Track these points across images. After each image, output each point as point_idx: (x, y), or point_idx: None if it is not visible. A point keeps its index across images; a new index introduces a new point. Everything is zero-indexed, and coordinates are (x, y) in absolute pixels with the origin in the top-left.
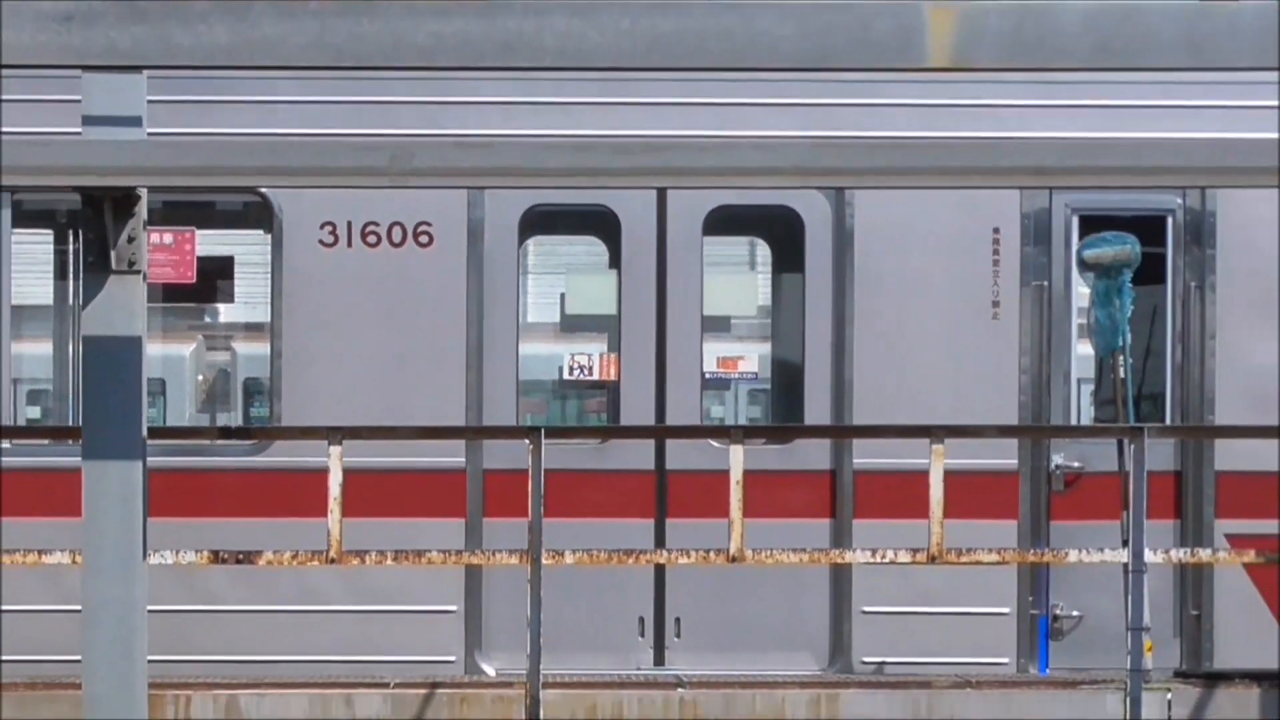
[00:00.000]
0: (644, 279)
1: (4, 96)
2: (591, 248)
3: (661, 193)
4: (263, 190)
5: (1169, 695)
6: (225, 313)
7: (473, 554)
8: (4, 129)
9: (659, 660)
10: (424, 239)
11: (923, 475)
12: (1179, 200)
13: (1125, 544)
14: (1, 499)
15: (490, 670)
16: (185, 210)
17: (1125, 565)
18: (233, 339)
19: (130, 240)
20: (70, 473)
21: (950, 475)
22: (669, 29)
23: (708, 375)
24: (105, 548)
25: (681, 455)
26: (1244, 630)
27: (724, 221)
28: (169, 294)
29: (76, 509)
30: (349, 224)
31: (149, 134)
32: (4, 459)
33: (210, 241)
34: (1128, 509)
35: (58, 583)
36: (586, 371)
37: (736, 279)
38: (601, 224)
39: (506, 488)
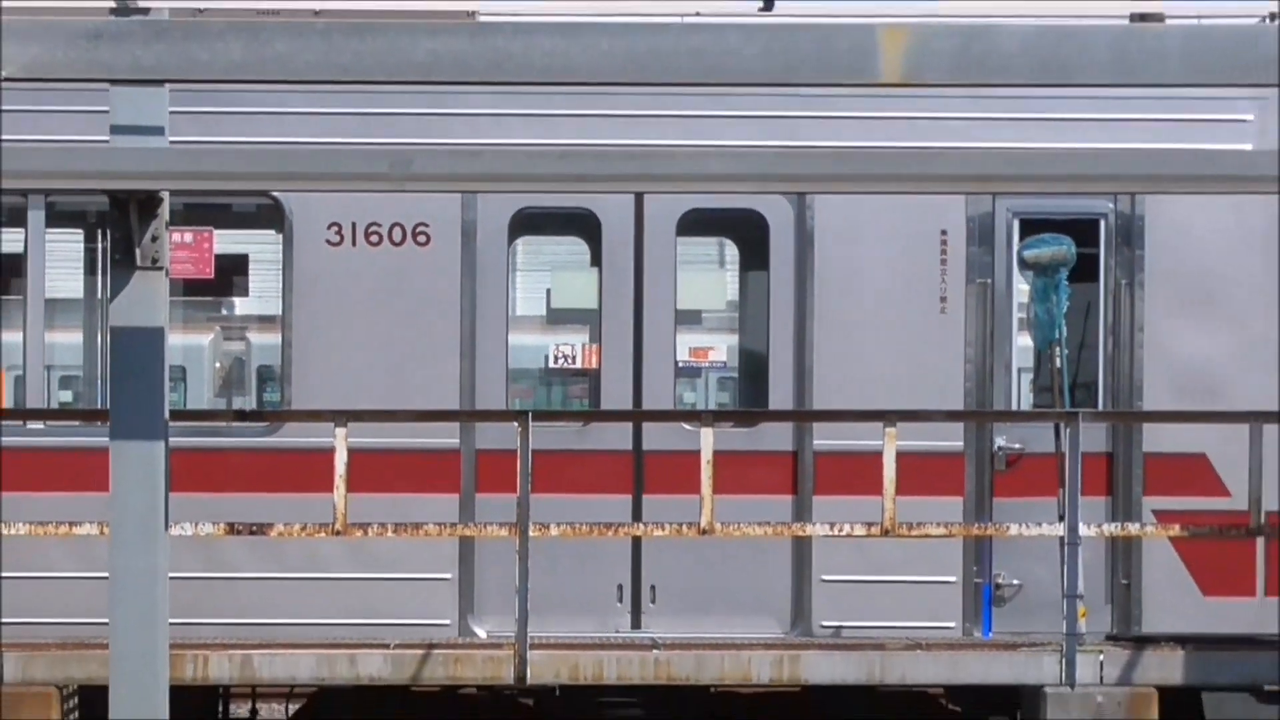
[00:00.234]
0: (623, 276)
1: (43, 108)
2: (575, 247)
3: (639, 197)
4: (275, 193)
5: (1101, 657)
6: (240, 306)
7: (466, 527)
8: (41, 139)
9: (636, 624)
10: (422, 239)
11: (877, 456)
12: (1111, 205)
13: (1061, 519)
14: (29, 476)
15: (482, 633)
16: (204, 211)
17: (1061, 538)
18: (247, 330)
19: (154, 239)
20: (99, 452)
21: (902, 456)
22: (645, 48)
23: (681, 364)
24: (130, 520)
25: (657, 437)
26: (1169, 598)
27: (696, 223)
28: (189, 288)
29: (104, 484)
30: (353, 225)
31: (170, 142)
32: (38, 439)
33: (227, 240)
34: (1064, 487)
35: (87, 552)
36: (570, 360)
37: (707, 276)
38: (584, 225)
39: (497, 466)
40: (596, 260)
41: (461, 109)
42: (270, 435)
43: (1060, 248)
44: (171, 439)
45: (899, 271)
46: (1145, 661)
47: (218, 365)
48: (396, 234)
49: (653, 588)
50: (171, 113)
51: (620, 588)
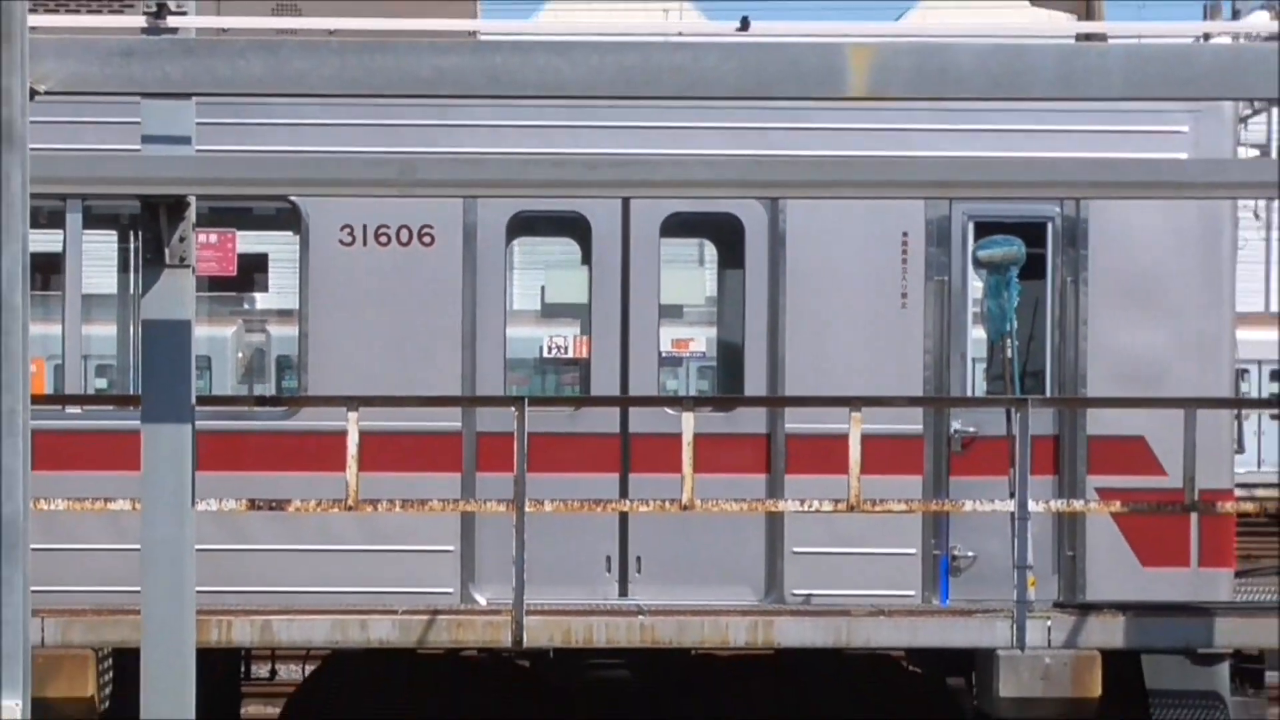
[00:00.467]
0: (611, 273)
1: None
2: (567, 247)
3: (626, 201)
4: (292, 198)
5: (1049, 622)
6: (261, 301)
7: (467, 503)
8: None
9: (623, 592)
10: (427, 239)
11: (843, 438)
12: (1057, 209)
13: (1012, 496)
14: (67, 456)
15: (482, 600)
16: (227, 214)
17: (1012, 514)
18: (267, 323)
19: (181, 239)
20: (132, 434)
21: (866, 438)
22: (631, 64)
23: (664, 354)
24: (160, 497)
25: (642, 421)
26: (1111, 568)
27: (678, 225)
28: (214, 285)
29: (136, 464)
30: (364, 227)
31: (197, 151)
32: (76, 422)
33: (248, 241)
34: (1014, 467)
35: (120, 527)
36: (562, 351)
37: (688, 274)
38: (575, 227)
39: (495, 448)
40: (587, 259)
41: (463, 120)
42: (288, 419)
43: (1011, 248)
44: (198, 423)
45: (864, 270)
46: (1089, 627)
47: (240, 355)
48: (404, 235)
49: (638, 559)
50: (204, 124)
51: (609, 559)
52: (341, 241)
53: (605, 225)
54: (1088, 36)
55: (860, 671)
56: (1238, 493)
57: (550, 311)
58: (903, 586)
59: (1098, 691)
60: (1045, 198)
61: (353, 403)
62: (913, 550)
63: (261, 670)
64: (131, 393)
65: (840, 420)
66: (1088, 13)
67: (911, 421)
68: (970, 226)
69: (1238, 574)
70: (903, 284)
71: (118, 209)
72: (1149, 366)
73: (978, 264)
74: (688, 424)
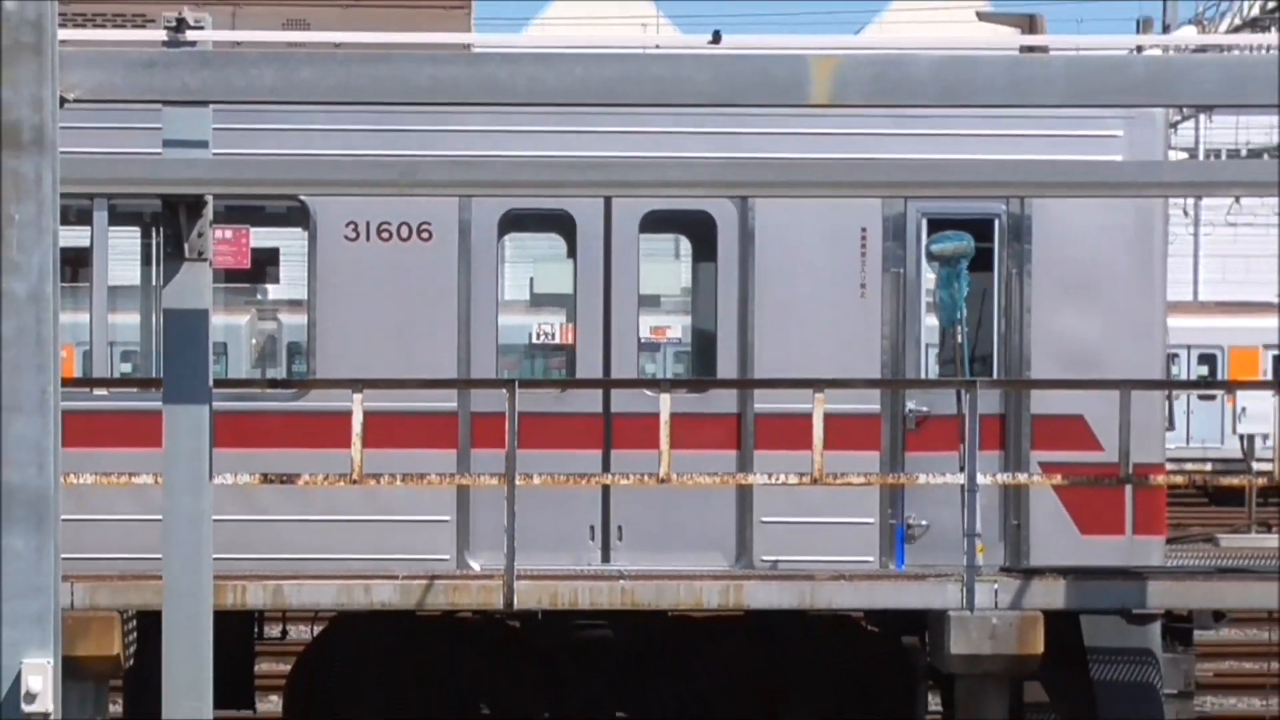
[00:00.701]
0: (594, 266)
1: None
2: (554, 242)
3: (608, 200)
4: (301, 197)
5: (996, 585)
6: (272, 292)
7: (462, 477)
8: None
9: (605, 559)
10: (425, 235)
11: (807, 417)
12: (1004, 207)
13: (962, 470)
14: (95, 435)
15: (476, 566)
16: (241, 212)
17: (962, 486)
18: (278, 312)
19: (199, 235)
20: (154, 415)
21: (829, 417)
22: (613, 74)
23: (643, 340)
24: (180, 471)
25: (623, 402)
26: (1053, 536)
27: (656, 222)
28: (229, 277)
29: (158, 442)
30: (368, 223)
31: (214, 154)
32: (103, 403)
33: (261, 237)
34: (964, 443)
35: (144, 499)
36: (550, 337)
37: (665, 266)
38: (562, 224)
39: (488, 426)
40: (572, 253)
41: (459, 126)
42: (298, 400)
43: (961, 242)
44: (214, 404)
45: (826, 262)
46: (1033, 589)
47: (253, 342)
48: (404, 231)
49: (619, 528)
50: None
51: (592, 528)
52: (347, 237)
53: (589, 222)
54: (1031, 49)
55: (823, 631)
56: (1169, 467)
57: (538, 301)
58: (862, 553)
59: (1040, 649)
60: (992, 196)
61: (357, 385)
62: (871, 520)
63: (273, 631)
64: (153, 376)
65: (805, 401)
66: (1031, 28)
67: (870, 402)
68: (924, 223)
69: (1169, 541)
70: (862, 275)
71: (140, 207)
72: (1087, 351)
73: (930, 257)
74: (665, 404)
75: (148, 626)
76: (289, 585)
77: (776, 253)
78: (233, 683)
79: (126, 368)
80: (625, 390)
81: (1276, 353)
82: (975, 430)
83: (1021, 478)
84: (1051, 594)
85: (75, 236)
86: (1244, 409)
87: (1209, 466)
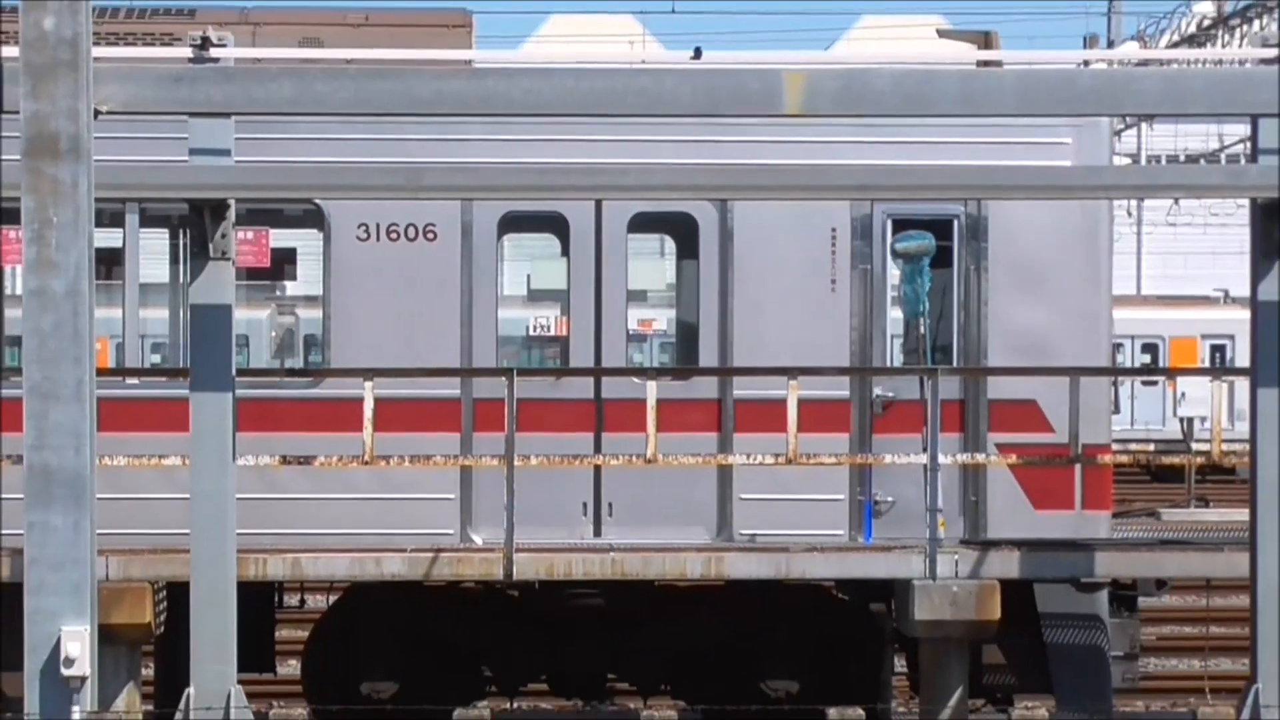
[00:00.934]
0: (586, 264)
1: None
2: (549, 241)
3: (598, 202)
4: (317, 200)
5: (956, 557)
6: (290, 288)
7: (465, 459)
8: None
9: (597, 533)
10: (430, 235)
11: (783, 403)
12: (962, 208)
13: (925, 450)
14: (127, 420)
15: (478, 540)
16: (262, 215)
17: (925, 465)
18: (296, 307)
19: (223, 236)
20: (181, 402)
21: (802, 403)
22: (602, 86)
23: (631, 332)
24: (206, 454)
25: (612, 389)
26: (1008, 511)
27: (643, 223)
28: (250, 274)
29: (186, 426)
30: (378, 225)
31: (235, 161)
32: (134, 391)
33: (279, 238)
34: (927, 426)
35: (172, 479)
36: (545, 330)
37: (651, 264)
38: (556, 224)
39: (489, 412)
40: (566, 252)
41: (460, 135)
42: (314, 388)
43: (924, 241)
44: (237, 391)
45: (799, 260)
46: (990, 560)
47: (273, 334)
48: (411, 232)
49: (610, 505)
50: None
51: (585, 505)
52: (358, 238)
53: (581, 223)
54: (987, 63)
55: (797, 599)
56: (1114, 447)
57: (535, 296)
58: (833, 527)
59: (997, 615)
60: (952, 199)
61: (368, 374)
62: (841, 496)
63: (292, 600)
64: (181, 366)
65: (780, 387)
66: (986, 44)
67: (840, 388)
68: (889, 223)
69: (1114, 515)
70: (832, 272)
71: (169, 210)
72: (1040, 340)
73: (895, 255)
74: (651, 391)
75: (177, 596)
76: (306, 558)
77: (753, 251)
78: (255, 648)
79: (156, 359)
80: (615, 378)
81: (1213, 342)
82: (937, 414)
83: (980, 458)
84: (1007, 564)
85: (109, 238)
86: (1183, 394)
87: (1151, 447)
